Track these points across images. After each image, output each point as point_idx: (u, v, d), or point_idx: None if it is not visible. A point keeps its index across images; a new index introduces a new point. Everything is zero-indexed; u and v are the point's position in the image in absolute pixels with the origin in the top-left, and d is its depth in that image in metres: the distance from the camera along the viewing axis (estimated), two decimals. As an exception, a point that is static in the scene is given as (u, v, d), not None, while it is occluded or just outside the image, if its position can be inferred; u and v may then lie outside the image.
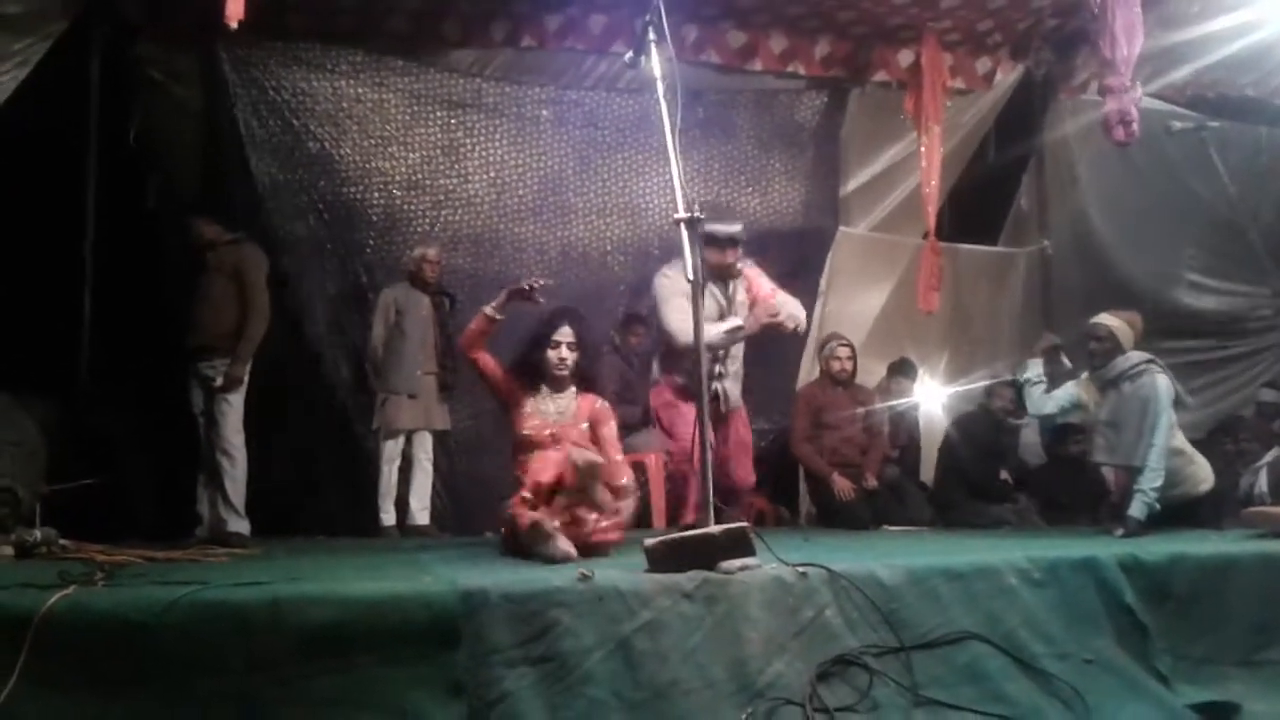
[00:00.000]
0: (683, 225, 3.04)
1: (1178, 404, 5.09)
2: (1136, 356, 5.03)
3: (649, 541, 2.75)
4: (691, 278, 3.00)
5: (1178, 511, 4.90)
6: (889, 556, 3.16)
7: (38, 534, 3.74)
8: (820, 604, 2.66)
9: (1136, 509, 4.73)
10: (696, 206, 3.11)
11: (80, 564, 3.20)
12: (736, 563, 2.69)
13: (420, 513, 5.81)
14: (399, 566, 3.29)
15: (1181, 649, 2.89)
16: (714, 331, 4.60)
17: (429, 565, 3.25)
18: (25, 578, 2.56)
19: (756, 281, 4.95)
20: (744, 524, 2.80)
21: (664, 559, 2.69)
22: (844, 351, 6.45)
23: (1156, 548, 3.07)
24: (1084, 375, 5.19)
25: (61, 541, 3.84)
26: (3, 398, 4.33)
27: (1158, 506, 4.73)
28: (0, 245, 5.33)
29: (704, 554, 2.69)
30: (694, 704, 2.44)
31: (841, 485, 6.17)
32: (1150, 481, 4.74)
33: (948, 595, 2.77)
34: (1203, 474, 5.00)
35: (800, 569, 2.70)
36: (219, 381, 5.25)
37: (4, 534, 3.72)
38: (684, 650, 2.51)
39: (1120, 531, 4.67)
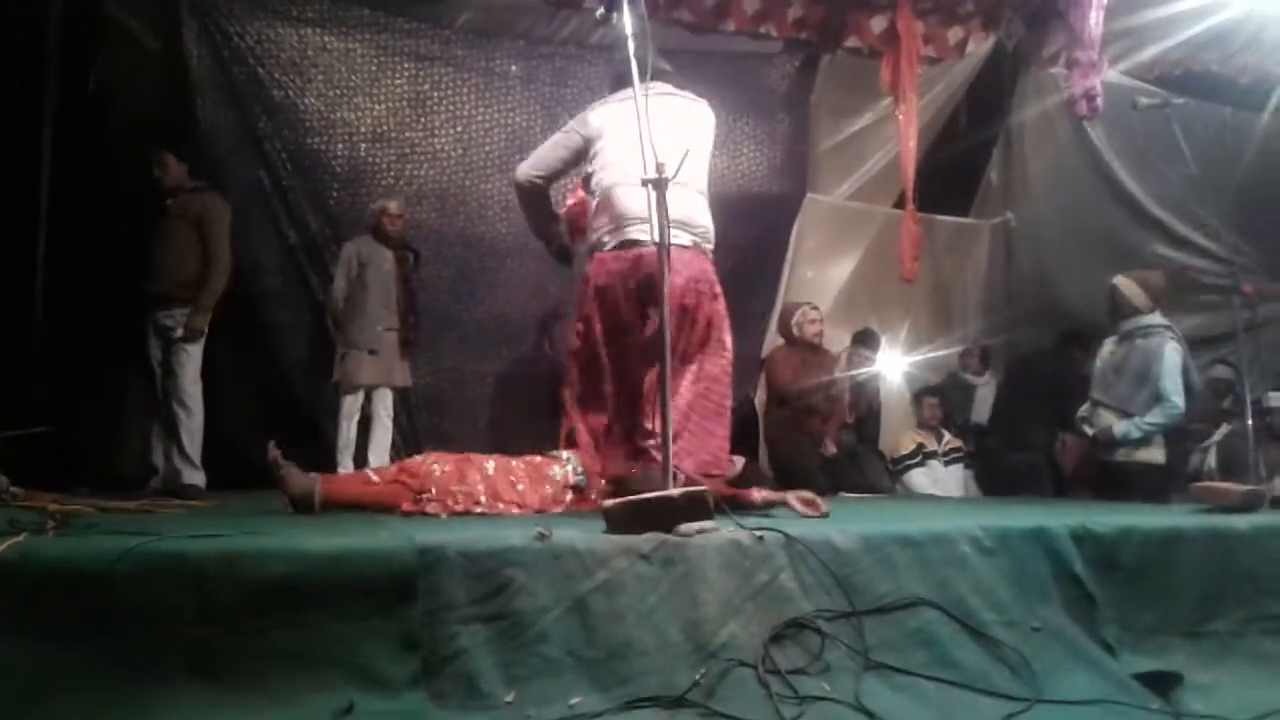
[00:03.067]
0: (650, 186, 3.02)
1: (1186, 385, 5.28)
2: (1153, 319, 5.53)
3: (607, 503, 2.76)
4: (659, 241, 2.98)
5: (1123, 476, 5.34)
6: (845, 522, 3.19)
7: (-13, 480, 3.68)
8: (776, 568, 2.68)
9: (1120, 427, 5.39)
10: (665, 167, 3.08)
11: (32, 512, 3.16)
12: (694, 526, 2.70)
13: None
14: (356, 522, 3.27)
15: (1128, 619, 2.94)
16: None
17: (385, 521, 3.25)
18: (-26, 526, 2.51)
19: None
20: (702, 488, 2.81)
21: (622, 521, 2.70)
22: (814, 315, 6.51)
23: (1107, 519, 3.11)
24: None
25: (12, 489, 3.78)
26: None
27: (1135, 435, 5.35)
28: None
29: (662, 517, 2.70)
30: (649, 664, 2.45)
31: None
32: (1148, 418, 5.33)
33: (901, 561, 2.80)
34: (1156, 448, 5.41)
35: (757, 533, 2.72)
36: (179, 332, 5.19)
37: (-47, 482, 3.66)
38: (640, 611, 2.52)
39: (1091, 431, 5.47)
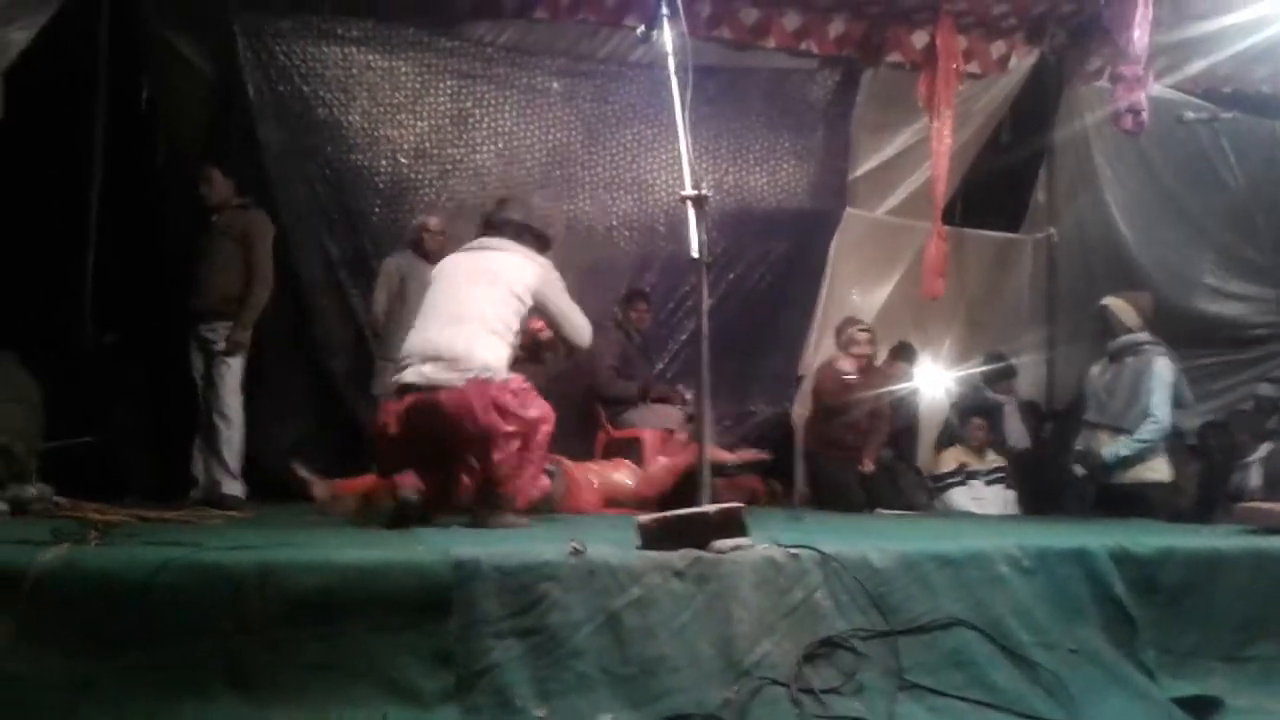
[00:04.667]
0: (689, 203, 3.03)
1: (1178, 401, 5.30)
2: (1143, 337, 5.65)
3: (642, 518, 2.75)
4: (697, 256, 2.99)
5: (1127, 498, 5.42)
6: (881, 540, 3.17)
7: (33, 490, 3.77)
8: (811, 586, 2.67)
9: (1107, 450, 5.48)
10: (704, 185, 3.09)
11: (75, 522, 3.22)
12: (729, 542, 2.69)
13: None
14: (392, 535, 3.30)
15: (1167, 642, 2.89)
16: None
17: (421, 533, 3.27)
18: (20, 534, 2.57)
19: None
20: (738, 504, 2.80)
21: (656, 536, 2.69)
22: (865, 335, 6.46)
23: (1147, 540, 3.06)
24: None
25: (56, 499, 3.86)
26: (3, 354, 4.34)
27: (1125, 453, 5.42)
28: (8, 204, 5.32)
29: (697, 533, 2.69)
30: (681, 681, 2.45)
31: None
32: (1139, 434, 5.41)
33: (938, 581, 2.77)
34: (1159, 465, 5.52)
35: (792, 550, 2.70)
36: (221, 346, 5.26)
37: (-1, 490, 3.74)
38: (673, 627, 2.51)
39: (1085, 465, 5.59)
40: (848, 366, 6.39)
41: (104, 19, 5.90)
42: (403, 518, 3.61)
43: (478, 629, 2.41)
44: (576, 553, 2.56)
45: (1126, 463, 5.46)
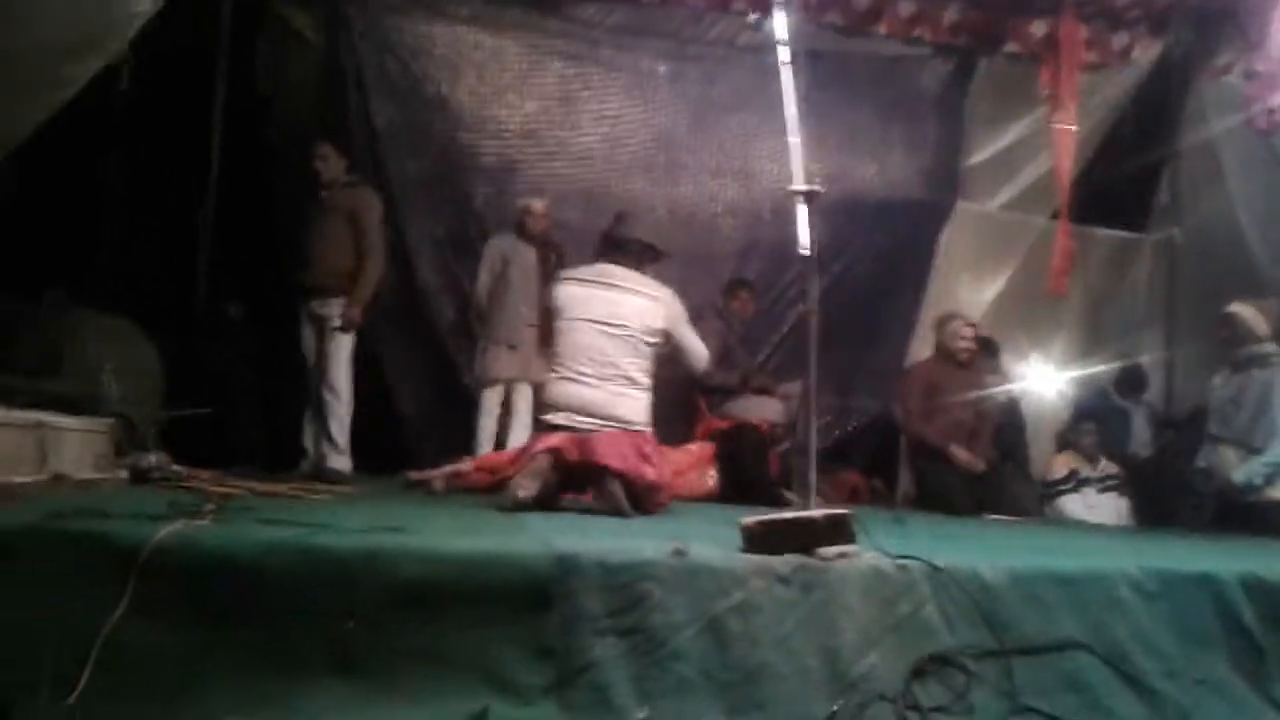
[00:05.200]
0: (799, 198, 2.95)
1: None
2: (1271, 347, 5.43)
3: (746, 520, 2.69)
4: (805, 253, 2.91)
5: (1250, 512, 5.22)
6: (993, 553, 3.06)
7: (152, 459, 3.86)
8: (919, 599, 2.58)
9: (1240, 474, 5.26)
10: (816, 179, 3.01)
11: (189, 494, 3.30)
12: (835, 549, 2.62)
13: None
14: (497, 521, 3.31)
15: (1300, 676, 2.74)
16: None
17: (526, 522, 3.26)
18: (136, 507, 2.62)
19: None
20: (846, 510, 2.72)
21: (761, 540, 2.63)
22: (968, 331, 6.26)
23: (1278, 566, 2.90)
24: None
25: (174, 467, 3.96)
26: (126, 324, 4.46)
27: (1258, 482, 5.19)
28: (131, 175, 5.48)
29: (802, 538, 2.63)
30: (784, 690, 2.39)
31: (963, 456, 6.01)
32: (1265, 457, 5.20)
33: (1053, 600, 2.66)
34: None
35: (900, 561, 2.62)
36: (335, 322, 5.35)
37: (120, 457, 3.85)
38: (776, 634, 2.46)
39: (1212, 485, 5.36)
40: (946, 361, 6.24)
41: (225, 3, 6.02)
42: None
43: (579, 625, 2.39)
44: (679, 554, 2.52)
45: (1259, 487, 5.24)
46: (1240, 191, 6.93)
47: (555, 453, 3.95)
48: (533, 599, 2.37)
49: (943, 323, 6.45)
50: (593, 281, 4.22)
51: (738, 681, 2.40)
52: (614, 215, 4.68)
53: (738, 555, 2.59)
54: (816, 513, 2.70)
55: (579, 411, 4.04)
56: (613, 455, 3.92)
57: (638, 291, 4.18)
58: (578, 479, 4.04)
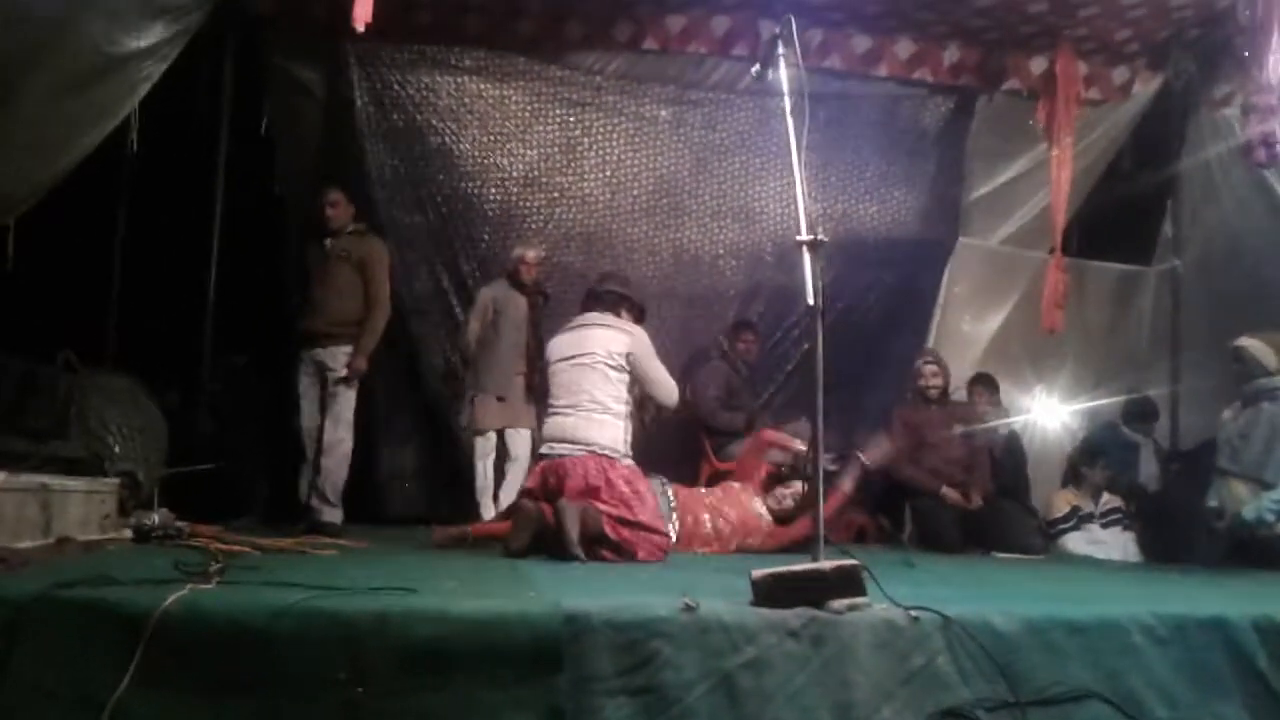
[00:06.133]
0: (804, 248, 2.96)
1: None
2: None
3: (756, 573, 2.68)
4: (811, 303, 2.92)
5: (1260, 547, 5.13)
6: (1005, 600, 3.04)
7: (155, 518, 3.86)
8: (932, 650, 2.56)
9: (1249, 510, 5.14)
10: (818, 225, 3.02)
11: (193, 552, 3.29)
12: (845, 602, 2.60)
13: None
14: (502, 575, 3.29)
15: (1318, 723, 2.70)
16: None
17: (530, 576, 3.25)
18: (142, 571, 2.61)
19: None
20: (856, 562, 2.71)
21: (770, 593, 2.62)
22: (930, 369, 6.33)
23: (1295, 609, 2.87)
24: None
25: (177, 524, 3.95)
26: (130, 382, 4.48)
27: (1269, 519, 5.06)
28: (137, 233, 5.52)
29: (813, 590, 2.61)
30: (797, 748, 2.37)
31: (952, 496, 6.03)
32: (1274, 495, 5.07)
33: (1067, 649, 2.63)
34: None
35: (912, 613, 2.60)
36: (341, 372, 5.34)
37: (124, 517, 3.85)
38: (789, 691, 2.44)
39: (1223, 522, 5.23)
40: (921, 401, 6.30)
41: (228, 50, 6.09)
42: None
43: (589, 685, 2.37)
44: (689, 609, 2.50)
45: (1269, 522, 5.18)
46: (1241, 224, 6.94)
47: (532, 492, 4.32)
48: (543, 660, 2.35)
49: (914, 364, 6.48)
50: (571, 329, 4.60)
51: (751, 739, 2.37)
52: (599, 274, 5.11)
53: (748, 609, 2.56)
54: (826, 565, 2.68)
55: (556, 439, 4.36)
56: (576, 474, 4.18)
57: (605, 325, 4.52)
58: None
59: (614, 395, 4.36)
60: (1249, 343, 5.49)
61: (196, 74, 5.53)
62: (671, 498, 5.06)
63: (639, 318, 4.75)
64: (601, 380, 4.35)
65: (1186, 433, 7.33)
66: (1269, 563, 5.02)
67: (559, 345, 4.55)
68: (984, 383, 7.03)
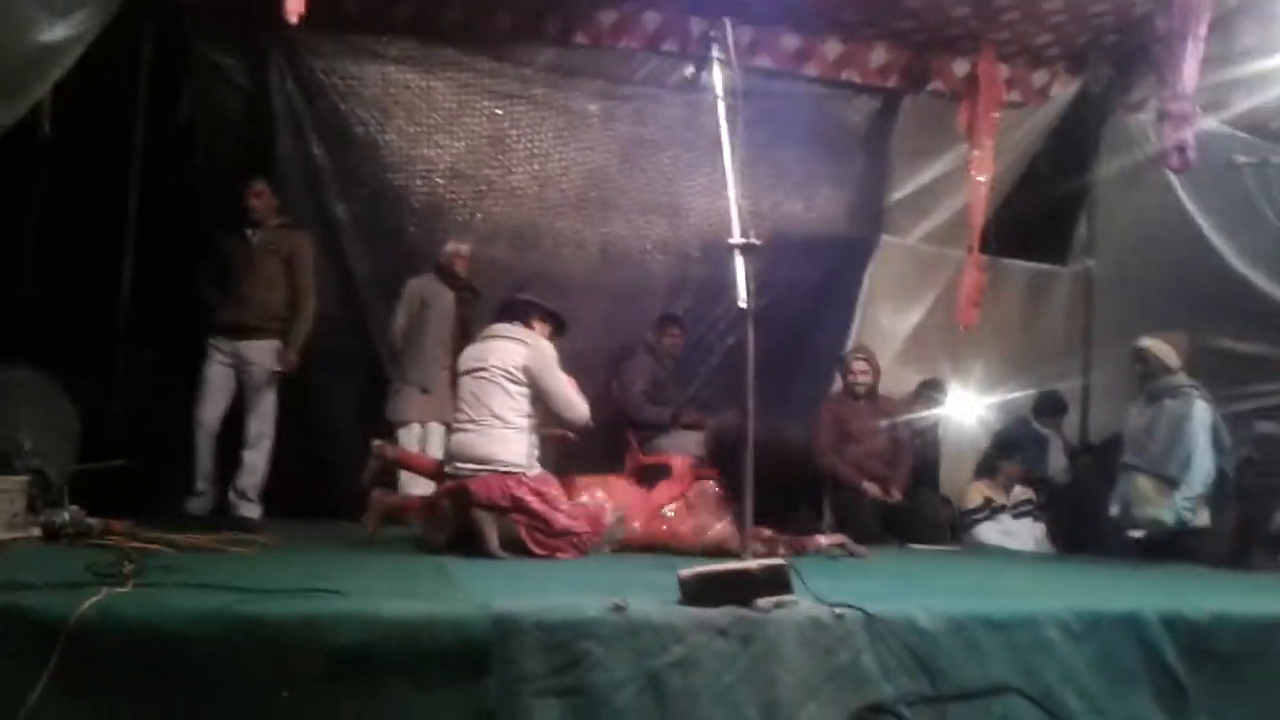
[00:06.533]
0: (737, 251, 2.98)
1: (1216, 444, 5.23)
2: (1182, 379, 5.57)
3: (683, 573, 2.70)
4: (743, 305, 2.94)
5: (1165, 539, 5.37)
6: (926, 595, 3.11)
7: (65, 515, 3.74)
8: (856, 648, 2.61)
9: (1167, 516, 5.33)
10: (748, 218, 3.04)
11: (108, 552, 3.19)
12: (772, 600, 2.64)
13: None
14: (428, 576, 3.27)
15: (1221, 713, 2.81)
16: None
17: (457, 576, 3.23)
18: (54, 574, 2.52)
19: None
20: (782, 561, 2.74)
21: (698, 592, 2.64)
22: (860, 365, 6.46)
23: (1200, 604, 2.98)
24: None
25: (88, 521, 3.83)
26: (42, 379, 4.34)
27: (1189, 517, 5.29)
28: (48, 222, 5.34)
29: (740, 589, 2.64)
30: (724, 746, 2.40)
31: (872, 491, 6.14)
32: (1185, 493, 5.29)
33: (986, 645, 2.71)
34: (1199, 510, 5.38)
35: (837, 610, 2.64)
36: (277, 367, 5.32)
37: (33, 515, 3.73)
38: (716, 689, 2.47)
39: (1141, 533, 5.37)
40: (848, 398, 6.43)
41: (146, 36, 5.90)
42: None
43: (519, 687, 2.37)
44: (618, 609, 2.52)
45: (1147, 503, 5.45)
46: (1152, 226, 7.15)
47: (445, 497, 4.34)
48: (471, 662, 2.35)
49: (844, 359, 6.61)
50: (480, 340, 4.58)
51: (679, 739, 2.39)
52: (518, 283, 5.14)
53: (676, 609, 2.59)
54: (753, 563, 2.72)
55: (459, 458, 4.34)
56: (481, 497, 4.15)
57: (506, 337, 4.46)
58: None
59: (514, 409, 4.32)
60: (1151, 343, 5.69)
61: (112, 59, 5.34)
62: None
63: (557, 327, 4.68)
64: (501, 394, 4.32)
65: (1096, 427, 7.55)
66: (1171, 555, 5.22)
67: (466, 357, 4.52)
68: (929, 387, 7.17)
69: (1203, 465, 5.32)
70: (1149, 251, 7.18)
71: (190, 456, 5.33)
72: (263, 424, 5.29)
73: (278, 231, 5.43)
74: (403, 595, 2.63)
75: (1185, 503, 5.28)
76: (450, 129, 6.52)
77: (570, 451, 5.11)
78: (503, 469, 4.23)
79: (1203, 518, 5.38)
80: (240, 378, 5.38)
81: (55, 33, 4.18)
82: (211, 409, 5.33)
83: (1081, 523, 6.50)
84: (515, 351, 4.39)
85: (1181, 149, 5.58)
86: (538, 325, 4.60)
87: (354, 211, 6.36)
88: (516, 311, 4.60)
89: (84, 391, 4.67)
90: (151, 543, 3.51)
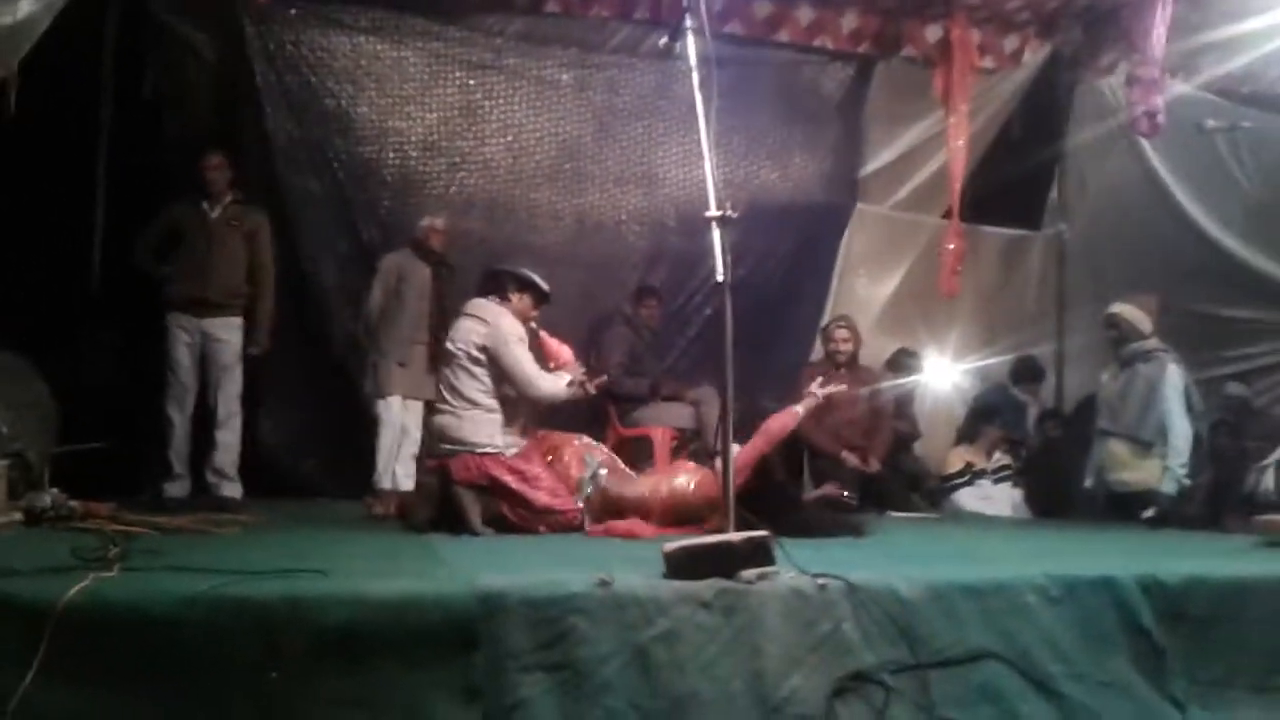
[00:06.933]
0: (714, 224, 2.98)
1: (1188, 406, 5.31)
2: (1154, 343, 5.67)
3: (668, 546, 2.72)
4: (720, 279, 2.94)
5: (1138, 502, 5.48)
6: (905, 563, 3.15)
7: (47, 499, 3.73)
8: (838, 617, 2.64)
9: (1168, 486, 5.38)
10: (729, 205, 3.04)
11: (91, 536, 3.18)
12: (755, 571, 2.67)
13: (404, 479, 5.65)
14: (413, 553, 3.28)
15: (1197, 673, 2.87)
16: (560, 384, 4.53)
17: (442, 553, 3.24)
18: (39, 559, 2.52)
19: (551, 343, 4.78)
20: (765, 532, 2.77)
21: (683, 566, 2.66)
22: (842, 334, 6.46)
23: (1175, 567, 3.04)
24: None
25: (70, 504, 3.82)
26: (17, 360, 4.30)
27: (1187, 482, 5.39)
28: (14, 199, 5.26)
29: (723, 561, 2.67)
30: (710, 716, 2.43)
31: (852, 461, 6.18)
32: (1176, 459, 5.38)
33: (965, 612, 2.74)
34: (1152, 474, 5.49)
35: (819, 581, 2.68)
36: (251, 349, 5.36)
37: (14, 499, 3.71)
38: (701, 661, 2.50)
39: (1152, 511, 5.33)
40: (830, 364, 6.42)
41: (112, 7, 5.81)
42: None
43: (505, 663, 2.39)
44: (604, 584, 2.54)
45: (1123, 467, 5.57)
46: (1124, 189, 7.22)
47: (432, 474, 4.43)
48: (458, 639, 2.37)
49: (826, 327, 6.63)
50: (457, 319, 4.56)
51: (666, 710, 2.43)
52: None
53: (661, 582, 2.61)
54: (736, 536, 2.74)
55: (440, 439, 4.38)
56: (461, 475, 4.20)
57: (471, 315, 4.45)
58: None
59: (480, 389, 4.33)
60: (1123, 309, 5.76)
61: (78, 31, 5.24)
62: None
63: (538, 296, 4.62)
64: (465, 375, 4.35)
65: (1071, 391, 7.65)
66: (1137, 514, 5.31)
67: (450, 335, 4.52)
68: (901, 358, 7.21)
69: (1182, 429, 5.41)
70: (1120, 216, 7.26)
71: (165, 438, 5.30)
72: (231, 401, 5.30)
73: (240, 208, 5.40)
74: (388, 574, 2.65)
75: (1180, 469, 5.37)
76: (423, 100, 6.46)
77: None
78: (478, 451, 4.25)
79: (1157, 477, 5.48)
80: (206, 355, 5.34)
81: (21, 8, 4.10)
82: (183, 396, 5.30)
83: (1056, 487, 6.60)
84: (475, 331, 4.39)
85: (1151, 114, 5.65)
86: (515, 297, 4.56)
87: (326, 185, 6.29)
88: (493, 284, 4.58)
89: (53, 370, 4.62)
90: (135, 525, 3.51)
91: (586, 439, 4.83)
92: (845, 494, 5.02)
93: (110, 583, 2.34)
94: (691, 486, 4.41)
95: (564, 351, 4.72)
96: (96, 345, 5.67)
